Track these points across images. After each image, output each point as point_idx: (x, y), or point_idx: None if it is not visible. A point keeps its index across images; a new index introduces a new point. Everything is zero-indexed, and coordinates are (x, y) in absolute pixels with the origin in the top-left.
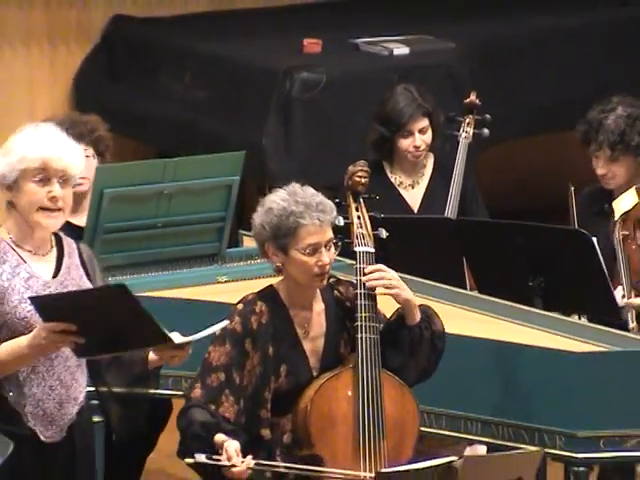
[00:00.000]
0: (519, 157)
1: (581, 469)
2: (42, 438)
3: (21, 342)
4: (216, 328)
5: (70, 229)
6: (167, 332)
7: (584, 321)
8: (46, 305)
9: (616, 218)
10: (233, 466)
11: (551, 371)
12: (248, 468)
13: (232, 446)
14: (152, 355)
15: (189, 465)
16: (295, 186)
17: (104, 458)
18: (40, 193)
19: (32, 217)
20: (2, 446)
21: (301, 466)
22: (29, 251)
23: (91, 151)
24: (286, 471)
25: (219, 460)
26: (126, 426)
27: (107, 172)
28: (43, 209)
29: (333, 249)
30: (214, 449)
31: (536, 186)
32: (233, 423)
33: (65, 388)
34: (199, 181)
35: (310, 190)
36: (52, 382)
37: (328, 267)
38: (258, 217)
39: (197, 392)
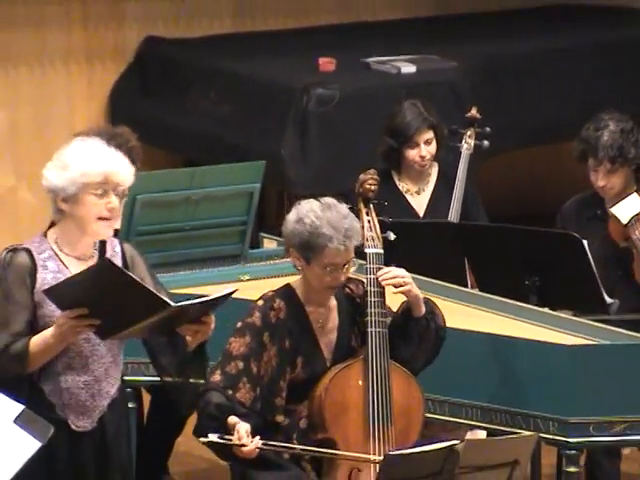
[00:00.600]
0: (517, 167)
1: (572, 452)
2: (73, 427)
3: (46, 334)
4: (208, 299)
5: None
6: (164, 298)
7: (575, 317)
8: (56, 294)
9: (625, 221)
10: (243, 445)
11: (545, 362)
12: (257, 448)
13: (243, 427)
14: (188, 337)
15: (204, 444)
16: (330, 202)
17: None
18: (100, 205)
19: (91, 226)
20: (44, 430)
21: (309, 448)
22: (72, 256)
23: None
24: (294, 452)
25: (230, 440)
26: (189, 404)
27: (139, 179)
28: (102, 219)
29: (351, 267)
30: (227, 430)
31: (533, 193)
32: (248, 408)
33: (98, 383)
34: (223, 188)
35: (342, 211)
36: (86, 377)
37: (340, 284)
38: (290, 223)
39: (217, 377)
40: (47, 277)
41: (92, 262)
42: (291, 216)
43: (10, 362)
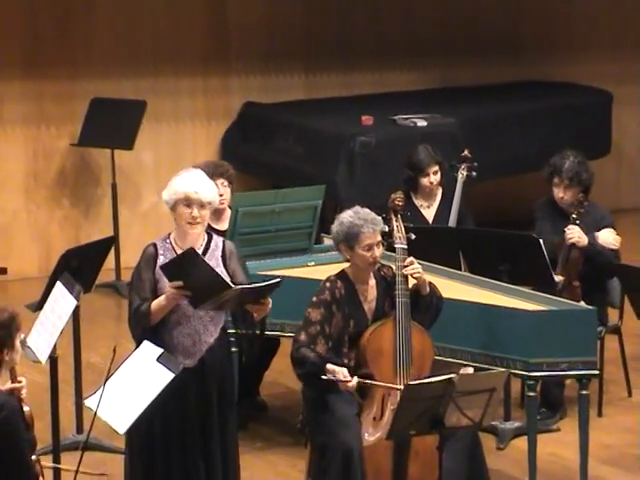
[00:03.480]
0: (496, 189)
1: (531, 382)
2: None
3: (161, 298)
4: (258, 286)
5: (215, 232)
6: (229, 282)
7: (534, 291)
8: (165, 269)
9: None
10: (348, 381)
11: (514, 322)
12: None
13: (345, 370)
14: (254, 314)
15: (314, 384)
16: (357, 208)
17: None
18: (186, 213)
19: (183, 227)
20: (176, 366)
21: (392, 385)
22: (183, 249)
23: (226, 182)
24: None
25: (339, 379)
26: (250, 351)
27: (240, 197)
28: (188, 223)
29: (381, 247)
30: (324, 373)
31: (506, 207)
32: (323, 356)
33: (198, 335)
34: (297, 203)
35: (367, 210)
36: (189, 330)
37: (378, 258)
38: (335, 227)
39: (302, 337)
40: (163, 262)
41: (199, 252)
42: (335, 225)
43: (140, 317)
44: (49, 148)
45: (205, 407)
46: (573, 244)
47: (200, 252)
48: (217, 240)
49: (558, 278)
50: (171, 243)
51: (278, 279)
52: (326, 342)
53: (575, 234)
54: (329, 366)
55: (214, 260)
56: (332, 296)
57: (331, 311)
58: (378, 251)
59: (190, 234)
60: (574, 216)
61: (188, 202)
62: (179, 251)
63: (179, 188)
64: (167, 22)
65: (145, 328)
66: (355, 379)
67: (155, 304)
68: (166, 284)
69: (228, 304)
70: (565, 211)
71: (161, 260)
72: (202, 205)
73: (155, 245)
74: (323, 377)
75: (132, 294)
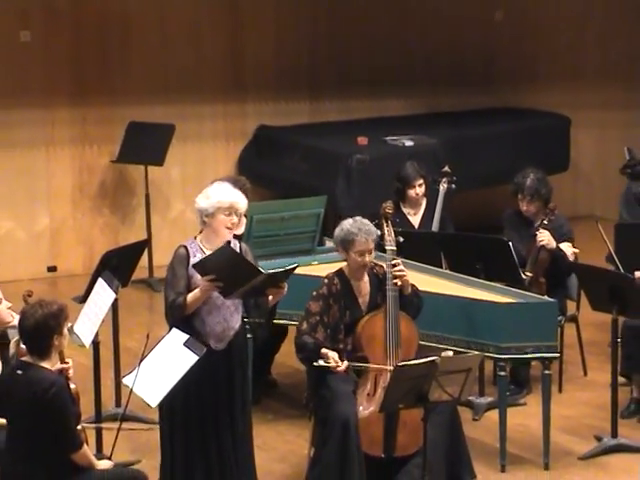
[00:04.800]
0: (472, 199)
1: (502, 363)
2: (213, 347)
3: (195, 291)
4: (283, 270)
5: (233, 236)
6: (260, 268)
7: (505, 286)
8: (198, 266)
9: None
10: (338, 366)
11: (488, 312)
12: (346, 366)
13: (336, 355)
14: (270, 297)
15: (313, 366)
16: (359, 217)
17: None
18: (226, 220)
19: (222, 232)
20: (200, 349)
21: (359, 364)
22: (210, 250)
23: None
24: (354, 366)
25: (330, 363)
26: (261, 334)
27: (255, 206)
28: (227, 228)
29: (373, 253)
30: (320, 356)
31: (480, 214)
32: (323, 342)
33: (226, 322)
34: (302, 211)
35: (365, 221)
36: (219, 318)
37: (368, 264)
38: (336, 231)
39: (304, 326)
40: (195, 261)
41: None
42: (337, 229)
43: (176, 309)
44: (92, 165)
45: (232, 383)
46: (543, 246)
47: None
48: (235, 242)
49: (526, 275)
50: (198, 245)
51: (295, 264)
52: (325, 330)
53: (545, 237)
54: (323, 350)
55: None
56: (329, 291)
57: (329, 303)
58: (369, 257)
59: (227, 237)
60: (545, 222)
61: (230, 211)
62: (207, 252)
63: (223, 198)
64: (193, 58)
65: (180, 318)
66: (345, 363)
67: (191, 296)
68: (198, 279)
69: (253, 291)
70: (529, 220)
71: (192, 259)
72: (239, 214)
73: (185, 247)
74: (315, 364)
75: (168, 289)
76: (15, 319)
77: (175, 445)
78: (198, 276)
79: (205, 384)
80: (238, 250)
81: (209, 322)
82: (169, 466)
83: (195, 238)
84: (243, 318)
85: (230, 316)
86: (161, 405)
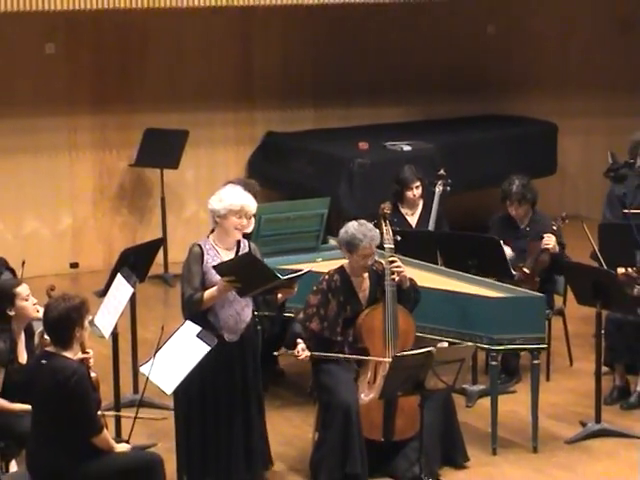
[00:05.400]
0: (466, 200)
1: (494, 354)
2: (226, 339)
3: (213, 289)
4: (296, 275)
5: (243, 235)
6: (276, 273)
7: (496, 282)
8: (218, 268)
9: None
10: (299, 355)
11: (480, 306)
12: (307, 356)
13: (300, 345)
14: (279, 295)
15: (279, 354)
16: (362, 222)
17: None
18: (237, 222)
19: (232, 233)
20: (212, 340)
21: (347, 355)
22: (222, 248)
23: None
24: (337, 357)
25: (292, 352)
26: (269, 327)
27: (263, 207)
28: (237, 229)
29: (374, 256)
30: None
31: (474, 214)
32: (317, 333)
33: (238, 315)
34: (307, 212)
35: (369, 227)
36: (232, 312)
37: (369, 267)
38: (341, 232)
39: (300, 315)
40: (208, 259)
41: (233, 252)
42: (342, 230)
43: (193, 304)
44: (112, 168)
45: (245, 372)
46: (546, 248)
47: (234, 250)
48: (244, 241)
49: (523, 270)
50: (212, 243)
51: (307, 270)
52: (320, 322)
53: (552, 242)
54: (298, 340)
55: None
56: (328, 286)
57: (327, 298)
58: (370, 260)
59: (237, 237)
60: (554, 228)
61: (240, 214)
62: (220, 250)
63: (235, 202)
64: (205, 68)
65: (195, 313)
66: (306, 352)
67: (208, 294)
68: (213, 276)
69: (266, 290)
70: (516, 224)
71: (206, 257)
72: (249, 216)
73: (200, 245)
74: (274, 353)
75: (184, 285)
76: (40, 313)
77: (191, 429)
78: (212, 272)
79: (220, 373)
80: (247, 249)
81: (222, 316)
82: (185, 448)
83: (208, 237)
84: (253, 312)
85: (242, 310)
86: (176, 392)
